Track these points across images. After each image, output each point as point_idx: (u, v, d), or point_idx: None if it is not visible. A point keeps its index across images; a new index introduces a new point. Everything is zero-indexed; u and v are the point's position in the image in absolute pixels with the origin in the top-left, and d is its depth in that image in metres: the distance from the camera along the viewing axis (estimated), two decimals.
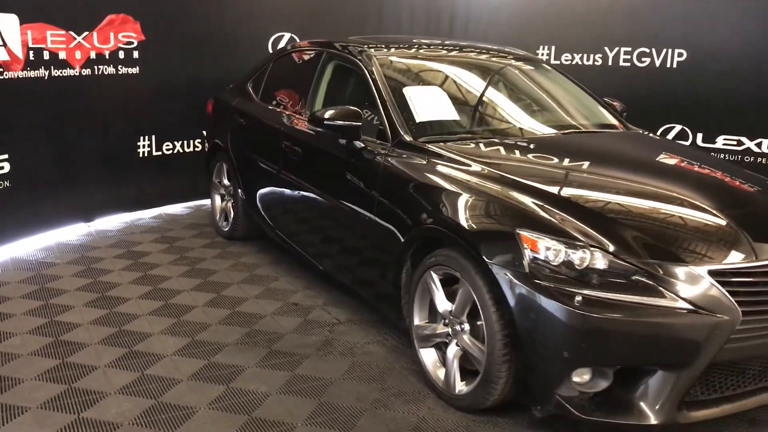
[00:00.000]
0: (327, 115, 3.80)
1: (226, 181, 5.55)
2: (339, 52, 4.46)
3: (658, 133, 6.67)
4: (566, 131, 4.13)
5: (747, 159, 6.44)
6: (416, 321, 3.43)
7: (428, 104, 3.92)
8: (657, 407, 2.74)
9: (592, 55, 7.47)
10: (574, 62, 7.51)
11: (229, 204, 5.49)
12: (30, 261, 5.02)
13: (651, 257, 2.76)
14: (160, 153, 6.42)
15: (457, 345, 3.19)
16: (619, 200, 3.19)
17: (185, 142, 6.54)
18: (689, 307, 2.68)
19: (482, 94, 4.26)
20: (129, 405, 3.14)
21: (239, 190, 5.23)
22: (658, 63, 7.27)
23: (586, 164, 3.61)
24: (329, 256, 4.24)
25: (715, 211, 3.10)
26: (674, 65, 6.86)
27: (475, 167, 3.36)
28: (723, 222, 3.03)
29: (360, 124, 3.79)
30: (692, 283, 2.72)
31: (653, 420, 2.74)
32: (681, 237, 2.93)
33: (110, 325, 3.94)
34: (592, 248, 2.75)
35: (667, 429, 2.89)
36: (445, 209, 3.21)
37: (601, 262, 2.75)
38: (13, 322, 3.96)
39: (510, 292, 2.85)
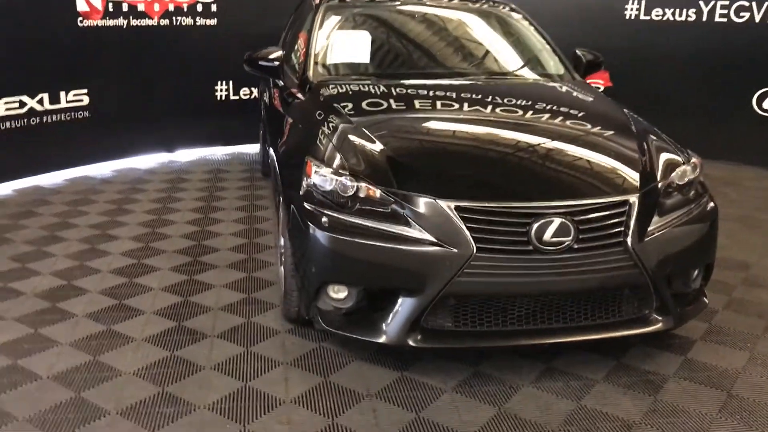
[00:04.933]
0: (252, 55, 4.23)
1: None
2: (310, 1, 4.82)
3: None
4: (481, 77, 4.13)
5: None
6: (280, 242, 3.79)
7: (348, 48, 4.18)
8: (388, 328, 2.88)
9: (685, 10, 6.94)
10: (665, 18, 7.02)
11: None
12: (134, 177, 6.09)
13: (404, 189, 2.88)
14: (237, 97, 7.18)
15: (281, 264, 3.52)
16: (421, 139, 3.30)
17: None
18: (428, 237, 2.78)
19: (412, 40, 4.39)
20: None
21: (265, 134, 5.80)
22: (758, 18, 6.61)
23: (438, 107, 3.66)
24: None
25: (503, 158, 3.14)
26: None
27: (332, 102, 3.60)
28: (497, 167, 3.06)
29: (276, 64, 4.16)
30: (436, 216, 2.80)
31: (382, 339, 2.89)
32: (444, 174, 3.01)
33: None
34: (354, 178, 2.94)
35: (403, 350, 3.01)
36: (279, 140, 3.54)
37: (362, 191, 2.93)
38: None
39: (291, 213, 3.14)
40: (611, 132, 3.42)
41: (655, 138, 3.43)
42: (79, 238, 4.65)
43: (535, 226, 2.77)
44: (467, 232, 2.76)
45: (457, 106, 3.67)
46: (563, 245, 2.79)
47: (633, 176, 3.04)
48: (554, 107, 3.67)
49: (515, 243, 2.78)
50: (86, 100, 6.22)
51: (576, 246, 2.81)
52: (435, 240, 2.78)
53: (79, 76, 6.13)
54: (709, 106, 6.89)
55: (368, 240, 2.84)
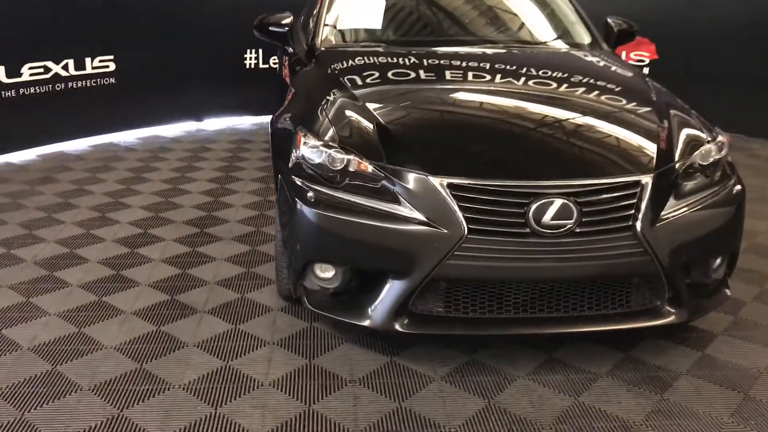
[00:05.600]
0: (263, 19, 4.06)
1: None
2: None
3: None
4: (504, 47, 3.88)
5: None
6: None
7: (360, 13, 3.98)
8: (374, 312, 2.72)
9: None
10: None
11: None
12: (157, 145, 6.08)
13: (394, 163, 2.69)
14: (266, 66, 7.04)
15: None
16: (421, 112, 3.12)
17: None
18: (418, 216, 2.60)
19: (427, 5, 4.16)
20: None
21: None
22: None
23: (446, 77, 3.44)
24: None
25: (503, 132, 2.94)
26: None
27: (336, 73, 3.42)
28: (495, 142, 2.86)
29: (286, 30, 3.99)
30: (427, 194, 2.61)
31: (366, 322, 2.73)
32: (439, 148, 2.82)
33: None
34: (344, 151, 2.76)
35: (389, 335, 2.84)
36: (277, 110, 3.38)
37: (352, 165, 2.76)
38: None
39: (279, 185, 2.99)
40: (628, 103, 3.16)
41: (678, 112, 3.15)
42: (92, 206, 4.59)
43: (533, 207, 2.55)
44: (459, 212, 2.56)
45: (464, 75, 3.45)
46: (564, 229, 2.57)
47: (648, 154, 2.79)
48: (566, 76, 3.42)
49: (511, 225, 2.57)
50: (112, 66, 6.15)
51: (578, 230, 2.59)
52: (425, 219, 2.59)
53: (105, 42, 6.06)
54: None
55: (355, 217, 2.66)
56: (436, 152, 2.79)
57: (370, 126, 2.87)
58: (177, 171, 5.38)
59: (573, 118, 3.00)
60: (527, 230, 2.57)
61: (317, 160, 2.80)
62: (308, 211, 2.73)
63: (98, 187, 4.96)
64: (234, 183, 5.12)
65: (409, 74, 3.42)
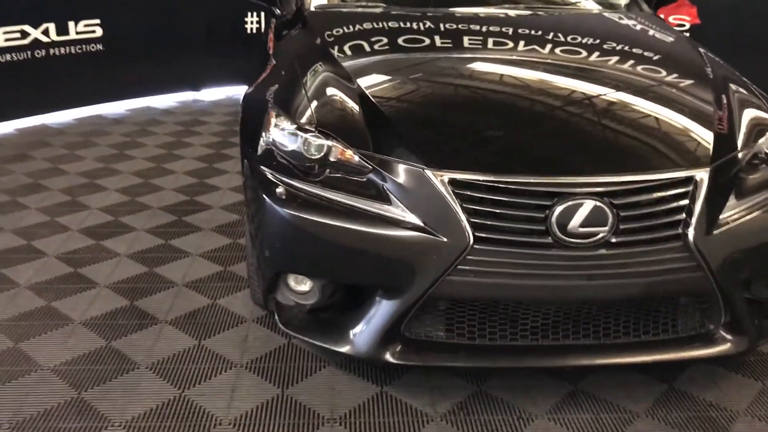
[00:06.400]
0: None
1: None
2: None
3: None
4: (527, 7, 3.29)
5: None
6: None
7: None
8: (358, 337, 2.20)
9: None
10: None
11: None
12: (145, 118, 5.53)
13: (384, 153, 2.15)
14: None
15: None
16: (421, 90, 2.55)
17: None
18: (413, 220, 2.06)
19: None
20: None
21: None
22: None
23: (457, 46, 2.87)
24: None
25: (520, 115, 2.36)
26: None
27: (324, 40, 2.87)
28: (510, 128, 2.28)
29: None
30: (423, 192, 2.07)
31: (346, 348, 2.21)
32: (440, 135, 2.26)
33: None
34: (323, 136, 2.22)
35: (372, 363, 2.32)
36: (251, 84, 2.84)
37: (333, 154, 2.21)
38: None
39: (245, 176, 2.46)
40: (676, 78, 2.57)
41: (739, 88, 2.56)
42: (63, 188, 4.11)
43: (558, 210, 2.00)
44: (464, 216, 2.02)
45: (479, 44, 2.87)
46: (596, 238, 2.02)
47: (703, 143, 2.21)
48: (599, 44, 2.83)
49: (528, 233, 2.03)
50: (99, 31, 5.62)
51: (614, 240, 2.03)
52: (421, 224, 2.05)
53: (90, 4, 5.52)
54: None
55: (335, 220, 2.13)
56: (437, 139, 2.24)
57: (356, 106, 2.32)
58: (164, 147, 4.88)
59: (608, 97, 2.42)
60: (549, 240, 2.02)
61: (291, 147, 2.26)
62: (278, 211, 2.20)
63: (74, 166, 4.48)
64: (224, 162, 4.61)
65: (412, 42, 2.86)
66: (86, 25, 5.55)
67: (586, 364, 2.22)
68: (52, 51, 5.39)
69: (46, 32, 5.31)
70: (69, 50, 5.48)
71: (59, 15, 5.36)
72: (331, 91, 2.42)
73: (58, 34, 5.40)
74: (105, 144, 4.93)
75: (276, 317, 2.35)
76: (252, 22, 6.36)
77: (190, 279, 3.08)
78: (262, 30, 6.33)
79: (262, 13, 6.35)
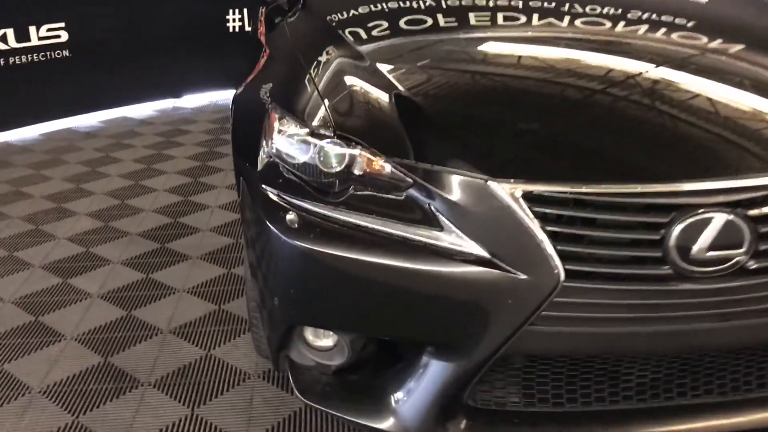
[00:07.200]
0: None
1: None
2: None
3: None
4: None
5: None
6: None
7: None
8: (403, 407, 1.63)
9: None
10: None
11: None
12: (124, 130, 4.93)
13: (430, 161, 1.58)
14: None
15: None
16: (467, 80, 1.98)
17: None
18: (475, 250, 1.49)
19: None
20: None
21: None
22: None
23: (502, 23, 2.31)
24: None
25: (610, 107, 1.76)
26: None
27: (332, 24, 2.31)
28: (600, 125, 1.69)
29: None
30: (488, 212, 1.50)
31: (388, 424, 1.64)
32: (503, 137, 1.68)
33: None
34: (345, 143, 1.65)
35: None
36: (243, 81, 2.28)
37: (358, 165, 1.64)
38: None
39: (243, 197, 1.89)
40: None
41: None
42: (25, 216, 3.53)
43: (677, 229, 1.45)
44: (548, 243, 1.45)
45: (532, 20, 2.30)
46: (730, 264, 1.46)
47: None
48: (695, 18, 2.27)
49: (639, 262, 1.47)
50: (64, 35, 5.04)
51: (754, 265, 1.47)
52: (486, 255, 1.49)
53: (54, 6, 4.93)
54: None
55: (364, 254, 1.56)
56: (502, 141, 1.67)
57: (385, 100, 1.76)
58: (142, 161, 4.29)
59: (725, 76, 1.86)
60: (667, 270, 1.46)
61: (302, 158, 1.69)
62: (289, 244, 1.63)
63: (39, 189, 3.89)
64: (212, 175, 4.03)
65: (448, 17, 2.29)
66: (50, 30, 4.97)
67: (713, 425, 1.66)
68: (11, 60, 4.80)
69: (3, 38, 4.73)
70: (31, 58, 4.89)
71: (18, 19, 4.77)
72: (349, 82, 1.85)
73: (18, 40, 4.81)
74: (75, 161, 4.34)
75: (292, 382, 1.78)
76: (234, 20, 5.80)
77: (178, 323, 2.51)
78: (246, 28, 5.75)
79: (245, 10, 5.77)
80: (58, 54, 5.04)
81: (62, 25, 5.01)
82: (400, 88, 1.77)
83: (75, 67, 5.07)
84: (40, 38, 4.91)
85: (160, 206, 3.58)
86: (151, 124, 5.13)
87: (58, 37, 5.01)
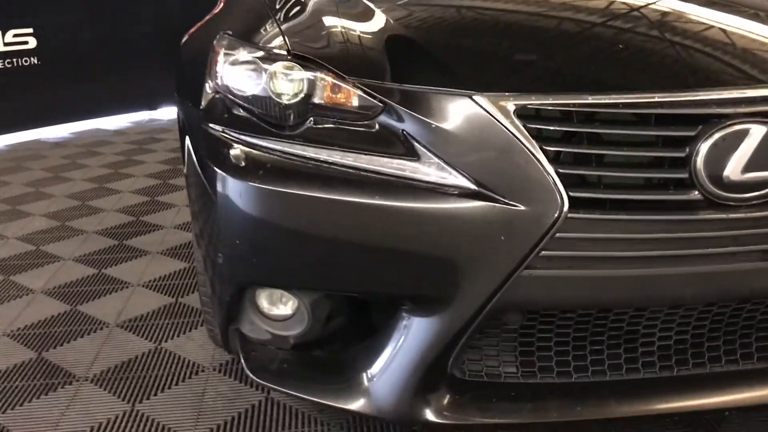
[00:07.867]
0: None
1: None
2: None
3: None
4: None
5: None
6: None
7: None
8: (375, 384, 1.32)
9: None
10: None
11: None
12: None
13: (405, 80, 1.30)
14: None
15: None
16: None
17: None
18: (459, 180, 1.21)
19: None
20: None
21: None
22: None
23: None
24: None
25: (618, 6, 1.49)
26: None
27: None
28: (625, 25, 1.41)
29: None
30: (476, 133, 1.22)
31: (358, 405, 1.33)
32: (491, 44, 1.40)
33: None
34: (304, 64, 1.37)
35: (405, 425, 1.44)
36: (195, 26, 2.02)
37: (319, 89, 1.36)
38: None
39: (185, 140, 1.61)
40: None
41: None
42: None
43: (706, 145, 1.16)
44: (547, 166, 1.16)
45: None
46: None
47: None
48: None
49: (659, 187, 1.18)
50: (32, 42, 4.79)
51: None
52: (472, 186, 1.20)
53: (20, 10, 4.69)
54: None
55: (327, 191, 1.27)
56: (486, 50, 1.39)
57: (349, 16, 1.48)
58: (110, 167, 4.02)
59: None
60: (696, 195, 1.17)
61: (252, 89, 1.41)
62: (235, 185, 1.33)
63: None
64: (182, 177, 3.73)
65: None
66: (16, 35, 4.72)
67: (742, 401, 1.35)
68: None
69: None
70: None
71: None
72: (310, 2, 1.58)
73: None
74: (39, 168, 4.06)
75: (242, 361, 1.47)
76: None
77: (127, 317, 2.21)
78: None
79: None
80: (26, 61, 4.79)
81: (30, 30, 4.76)
82: (367, 2, 1.49)
83: (44, 75, 4.81)
84: (6, 44, 4.67)
85: (123, 206, 3.30)
86: (124, 134, 4.87)
87: (26, 43, 4.76)
